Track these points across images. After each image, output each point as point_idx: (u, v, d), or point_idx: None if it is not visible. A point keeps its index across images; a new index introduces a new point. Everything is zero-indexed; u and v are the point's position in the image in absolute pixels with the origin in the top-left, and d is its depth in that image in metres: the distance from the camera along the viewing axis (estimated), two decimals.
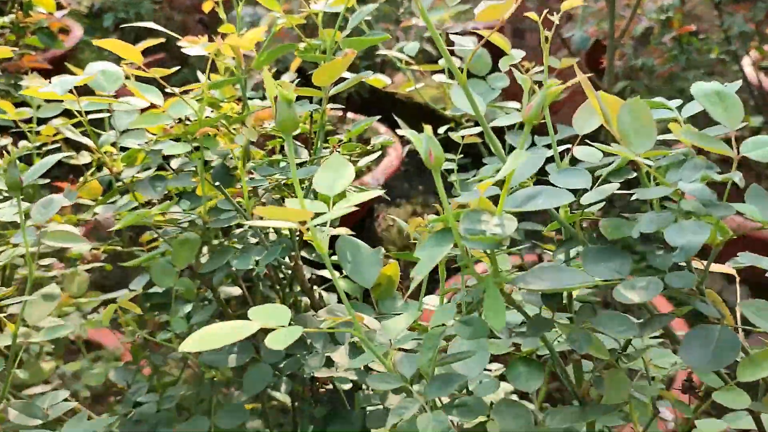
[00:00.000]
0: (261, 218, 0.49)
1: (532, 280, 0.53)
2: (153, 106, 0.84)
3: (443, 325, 0.57)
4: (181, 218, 0.79)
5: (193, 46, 0.85)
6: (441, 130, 1.15)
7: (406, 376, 0.54)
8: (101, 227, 0.76)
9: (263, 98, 1.07)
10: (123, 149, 0.89)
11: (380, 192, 0.55)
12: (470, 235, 0.47)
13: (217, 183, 0.74)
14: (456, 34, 1.13)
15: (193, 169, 0.87)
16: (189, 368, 1.07)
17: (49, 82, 0.83)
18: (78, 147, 1.20)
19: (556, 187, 0.54)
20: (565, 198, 0.51)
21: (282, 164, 0.84)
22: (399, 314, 0.77)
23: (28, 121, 1.20)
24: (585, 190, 0.60)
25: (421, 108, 3.07)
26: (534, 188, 0.53)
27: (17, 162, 0.66)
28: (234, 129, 0.85)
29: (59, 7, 1.65)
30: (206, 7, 1.07)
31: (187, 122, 0.84)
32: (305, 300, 0.98)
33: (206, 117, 0.77)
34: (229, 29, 0.93)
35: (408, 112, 2.97)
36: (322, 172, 0.58)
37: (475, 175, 1.09)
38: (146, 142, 0.94)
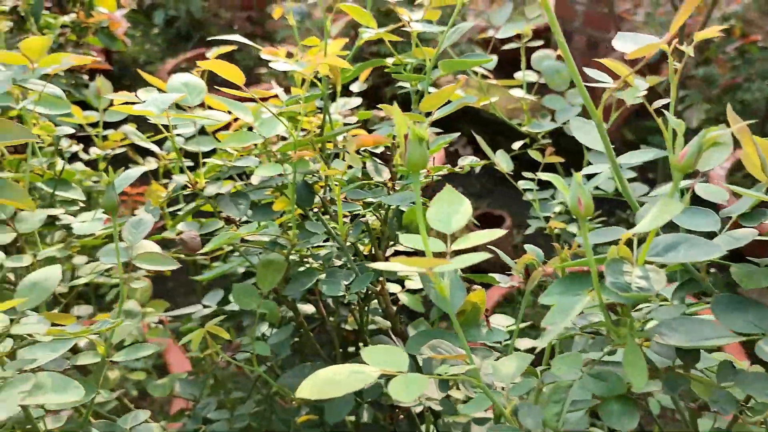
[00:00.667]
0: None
1: (668, 333, 0.49)
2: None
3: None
4: (267, 240, 0.77)
5: (278, 60, 0.82)
6: (515, 146, 1.11)
7: (531, 430, 0.51)
8: (187, 246, 0.75)
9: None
10: (201, 162, 0.87)
11: (503, 231, 0.52)
12: (618, 289, 0.44)
13: (316, 211, 0.72)
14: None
15: (273, 185, 0.84)
16: (241, 376, 1.06)
17: (133, 94, 0.82)
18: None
19: (695, 234, 0.51)
20: (711, 251, 0.47)
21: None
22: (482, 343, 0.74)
23: (94, 125, 1.19)
24: (713, 233, 0.56)
25: (464, 110, 3.02)
26: (674, 237, 0.49)
27: (114, 184, 0.64)
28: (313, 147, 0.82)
29: (118, 6, 1.65)
30: (276, 14, 1.05)
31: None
32: (378, 319, 0.96)
33: (297, 137, 0.74)
34: (313, 41, 0.91)
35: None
36: (435, 206, 0.56)
37: (553, 196, 1.06)
38: (214, 150, 0.92)
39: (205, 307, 0.92)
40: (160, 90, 0.83)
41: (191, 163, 1.11)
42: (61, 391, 0.48)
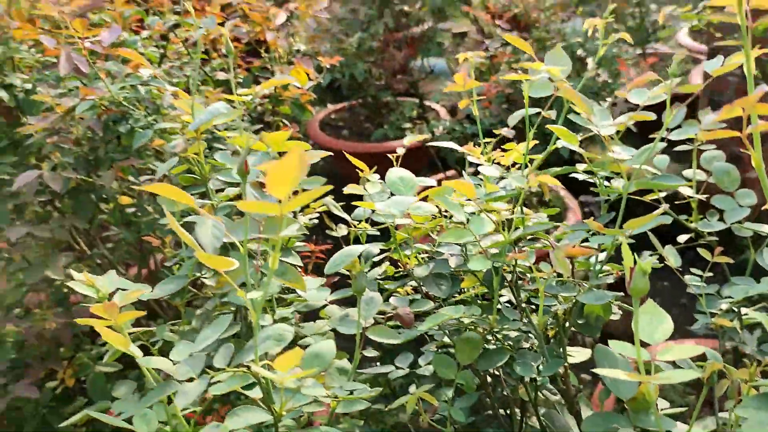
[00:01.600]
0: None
1: None
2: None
3: None
4: (468, 321, 0.89)
5: (485, 166, 0.96)
6: (681, 239, 1.19)
7: None
8: (403, 321, 0.88)
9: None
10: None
11: (704, 348, 0.62)
12: None
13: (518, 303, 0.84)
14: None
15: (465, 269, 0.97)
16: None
17: (361, 187, 0.98)
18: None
19: None
20: None
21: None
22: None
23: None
24: None
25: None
26: None
27: (365, 272, 0.79)
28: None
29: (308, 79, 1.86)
30: (462, 105, 1.20)
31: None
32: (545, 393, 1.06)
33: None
34: (511, 146, 1.04)
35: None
36: (640, 319, 0.66)
37: (719, 291, 1.12)
38: (413, 225, 1.05)
39: (397, 368, 1.06)
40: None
41: (377, 233, 1.27)
42: None
